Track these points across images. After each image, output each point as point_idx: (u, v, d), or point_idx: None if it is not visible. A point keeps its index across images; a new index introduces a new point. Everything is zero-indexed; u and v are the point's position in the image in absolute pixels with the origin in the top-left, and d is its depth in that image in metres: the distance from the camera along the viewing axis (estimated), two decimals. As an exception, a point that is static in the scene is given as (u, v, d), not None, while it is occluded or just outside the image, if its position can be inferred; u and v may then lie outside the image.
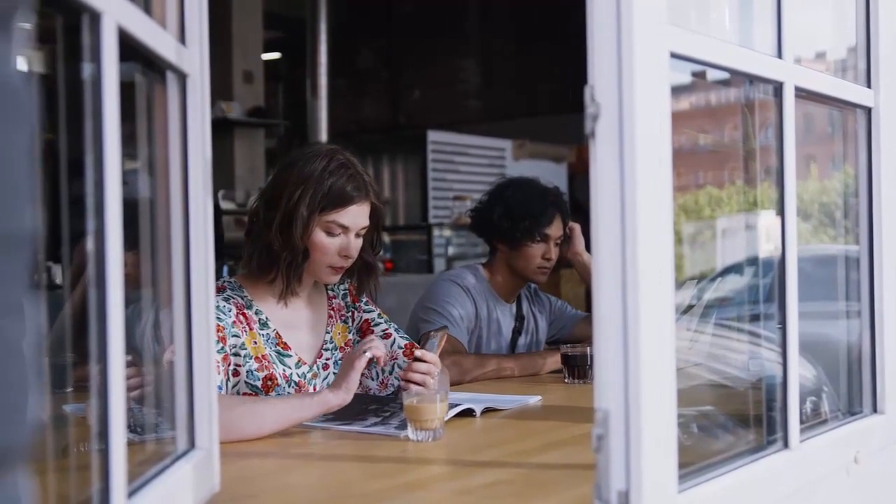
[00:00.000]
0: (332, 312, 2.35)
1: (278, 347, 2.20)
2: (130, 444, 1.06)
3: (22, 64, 0.61)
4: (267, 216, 2.17)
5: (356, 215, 2.18)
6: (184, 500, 1.26)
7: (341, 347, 2.33)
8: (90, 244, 0.99)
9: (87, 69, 1.00)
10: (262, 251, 2.18)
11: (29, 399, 0.59)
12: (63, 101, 1.06)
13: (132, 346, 1.16)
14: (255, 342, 2.16)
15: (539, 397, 2.35)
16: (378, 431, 1.91)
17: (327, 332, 2.32)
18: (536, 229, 2.93)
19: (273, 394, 2.14)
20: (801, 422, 1.53)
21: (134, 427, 1.32)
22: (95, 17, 0.98)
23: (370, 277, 2.32)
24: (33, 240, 0.60)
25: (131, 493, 1.07)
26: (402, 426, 1.89)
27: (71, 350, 1.97)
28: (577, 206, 5.69)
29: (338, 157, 2.19)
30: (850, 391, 1.84)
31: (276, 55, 10.39)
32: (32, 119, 0.60)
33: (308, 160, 2.17)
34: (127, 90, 1.06)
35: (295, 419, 1.93)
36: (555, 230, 2.97)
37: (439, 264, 7.20)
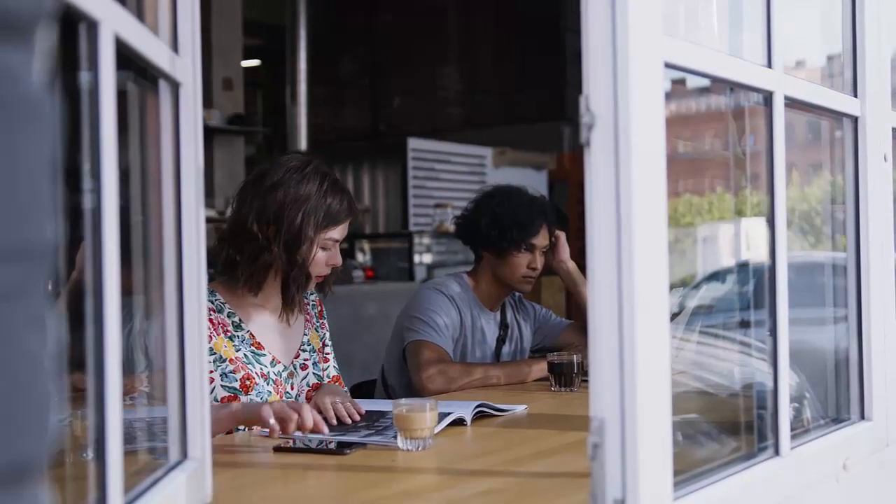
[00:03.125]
0: (308, 316, 2.43)
1: (252, 347, 2.25)
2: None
3: (44, 74, 0.60)
4: (266, 235, 2.20)
5: (346, 228, 2.30)
6: (177, 511, 1.25)
7: (318, 350, 2.42)
8: (88, 253, 0.98)
9: (83, 77, 0.99)
10: (262, 269, 2.23)
11: (49, 411, 0.59)
12: (58, 109, 1.05)
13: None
14: (226, 346, 2.21)
15: (525, 406, 2.35)
16: (375, 441, 1.90)
17: (305, 334, 2.39)
18: (523, 239, 2.93)
19: (253, 392, 2.20)
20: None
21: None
22: (93, 26, 0.97)
23: (333, 274, 2.39)
24: (52, 252, 0.59)
25: (127, 505, 1.06)
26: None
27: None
28: (558, 214, 5.70)
29: (329, 176, 2.28)
30: (838, 398, 1.86)
31: (255, 62, 10.37)
32: (54, 130, 0.60)
33: (300, 181, 2.22)
34: (118, 98, 1.06)
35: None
36: (541, 240, 2.97)
37: (420, 272, 7.19)
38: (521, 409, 2.33)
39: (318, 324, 2.46)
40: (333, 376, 2.44)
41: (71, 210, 1.01)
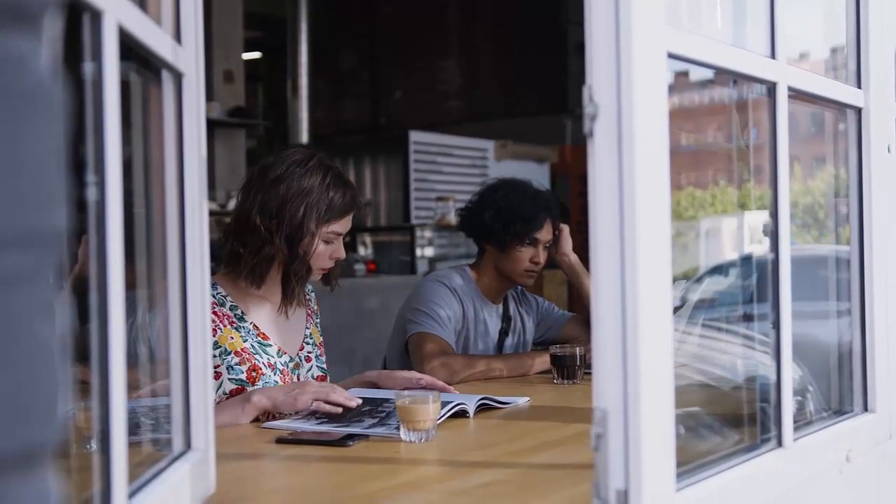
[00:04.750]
0: (309, 311, 2.45)
1: (258, 338, 2.27)
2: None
3: (52, 61, 0.60)
4: (268, 228, 2.21)
5: (349, 222, 2.31)
6: (181, 501, 1.25)
7: (319, 344, 2.44)
8: (91, 245, 0.98)
9: (87, 67, 0.99)
10: (264, 262, 2.24)
11: (58, 398, 0.59)
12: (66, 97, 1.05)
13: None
14: (232, 338, 2.22)
15: (528, 398, 2.35)
16: (379, 433, 1.90)
17: (307, 328, 2.42)
18: (527, 233, 2.93)
19: (260, 383, 2.21)
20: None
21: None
22: (96, 16, 0.97)
23: (338, 267, 2.39)
24: (62, 239, 0.60)
25: (131, 494, 1.06)
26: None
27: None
28: (562, 207, 5.70)
29: (332, 169, 2.29)
30: (841, 390, 1.86)
31: (256, 55, 10.36)
32: (62, 118, 0.60)
33: (303, 175, 2.23)
34: (122, 89, 1.05)
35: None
36: (545, 234, 2.97)
37: (422, 265, 7.19)
38: (523, 400, 2.33)
39: (316, 320, 2.49)
40: (318, 376, 2.43)
41: (74, 203, 1.01)
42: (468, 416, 2.10)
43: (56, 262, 0.59)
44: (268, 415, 2.15)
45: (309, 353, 2.40)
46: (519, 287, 3.16)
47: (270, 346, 2.28)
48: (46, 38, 0.59)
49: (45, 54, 0.59)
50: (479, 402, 2.16)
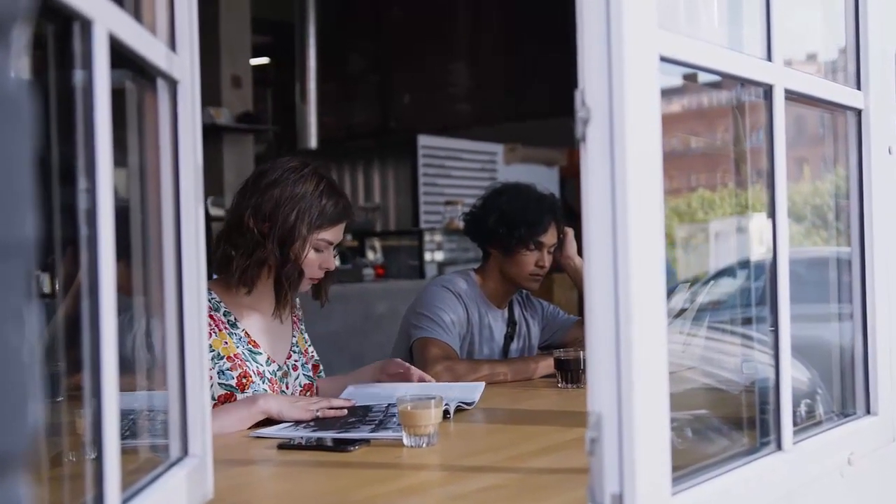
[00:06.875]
0: (295, 320, 2.47)
1: (249, 346, 2.29)
2: (123, 451, 1.05)
3: (21, 71, 0.61)
4: (260, 230, 2.23)
5: (341, 232, 2.34)
6: (177, 507, 1.26)
7: (304, 352, 2.46)
8: (83, 253, 0.98)
9: (77, 76, 1.00)
10: (255, 265, 2.25)
11: (29, 406, 0.59)
12: (53, 108, 1.06)
13: (124, 355, 1.16)
14: (226, 342, 2.24)
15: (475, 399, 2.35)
16: (383, 436, 1.90)
17: (293, 336, 2.44)
18: (531, 237, 2.93)
19: (249, 391, 2.23)
20: (796, 424, 1.53)
21: (125, 433, 1.31)
22: (86, 25, 0.98)
23: (329, 280, 2.41)
24: (32, 248, 0.60)
25: (125, 501, 1.07)
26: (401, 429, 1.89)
27: (62, 359, 1.97)
28: (569, 210, 5.69)
29: (325, 178, 2.32)
30: (843, 393, 1.85)
31: (264, 60, 10.38)
32: (31, 127, 0.61)
33: (297, 181, 2.27)
34: (116, 97, 1.06)
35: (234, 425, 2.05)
36: (549, 238, 2.97)
37: (431, 270, 7.18)
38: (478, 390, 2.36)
39: (301, 327, 2.51)
40: (305, 384, 2.44)
41: (70, 211, 1.01)
42: (449, 418, 2.10)
43: (28, 271, 0.60)
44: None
45: (296, 361, 2.41)
46: (524, 291, 3.16)
47: (260, 353, 2.30)
48: (16, 48, 0.59)
49: (15, 64, 0.59)
50: (456, 405, 2.19)
